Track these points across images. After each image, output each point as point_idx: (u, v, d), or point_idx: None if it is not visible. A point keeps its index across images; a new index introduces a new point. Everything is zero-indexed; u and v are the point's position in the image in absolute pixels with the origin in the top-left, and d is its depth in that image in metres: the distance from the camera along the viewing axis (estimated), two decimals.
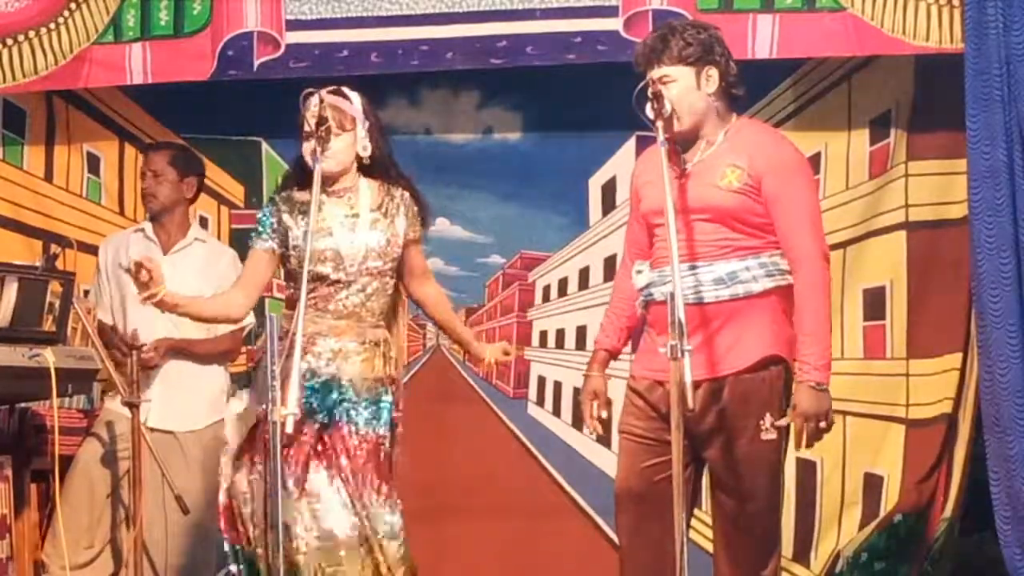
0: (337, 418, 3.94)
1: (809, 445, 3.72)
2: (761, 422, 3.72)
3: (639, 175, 3.96)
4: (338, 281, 3.97)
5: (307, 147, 3.94)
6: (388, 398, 4.02)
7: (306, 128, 3.93)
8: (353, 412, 3.96)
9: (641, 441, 3.83)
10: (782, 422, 3.72)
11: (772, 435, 3.73)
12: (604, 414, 3.96)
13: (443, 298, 4.31)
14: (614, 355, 4.03)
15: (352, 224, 4.01)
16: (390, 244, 4.03)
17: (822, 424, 3.70)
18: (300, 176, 4.04)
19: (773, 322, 3.77)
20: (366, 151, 4.03)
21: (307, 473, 3.90)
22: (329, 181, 3.99)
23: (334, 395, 3.95)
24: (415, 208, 4.10)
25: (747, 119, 3.96)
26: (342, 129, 3.97)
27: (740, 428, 3.73)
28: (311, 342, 3.93)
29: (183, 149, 5.12)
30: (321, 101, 3.93)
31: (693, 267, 3.73)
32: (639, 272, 3.90)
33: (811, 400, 3.66)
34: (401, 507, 3.94)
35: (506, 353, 4.31)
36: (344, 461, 3.91)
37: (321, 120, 3.90)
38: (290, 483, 3.84)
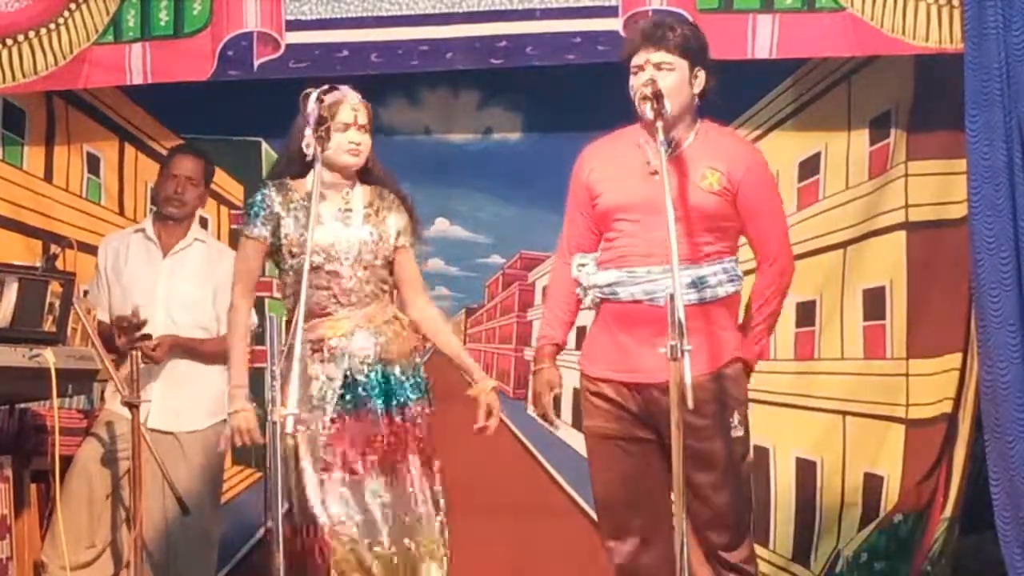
0: (400, 401, 4.00)
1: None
2: (730, 420, 3.79)
3: (591, 171, 3.92)
4: (336, 272, 3.99)
5: (344, 138, 3.96)
6: (421, 365, 4.11)
7: (347, 120, 3.96)
8: (405, 390, 4.02)
9: (616, 442, 3.84)
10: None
11: (740, 432, 3.81)
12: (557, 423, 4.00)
13: (441, 323, 4.23)
14: (561, 348, 4.02)
15: (346, 218, 4.04)
16: (381, 240, 4.05)
17: None
18: (298, 166, 4.02)
19: (734, 326, 3.88)
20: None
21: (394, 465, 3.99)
22: (334, 176, 4.02)
23: (391, 380, 4.00)
24: (407, 215, 4.12)
25: (710, 123, 3.94)
26: (370, 127, 4.04)
27: (712, 426, 3.77)
28: (350, 335, 3.98)
29: (209, 160, 5.12)
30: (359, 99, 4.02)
31: (666, 271, 3.65)
32: (582, 266, 3.89)
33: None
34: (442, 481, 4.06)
35: (489, 412, 4.06)
36: (414, 445, 4.01)
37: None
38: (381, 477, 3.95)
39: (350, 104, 3.99)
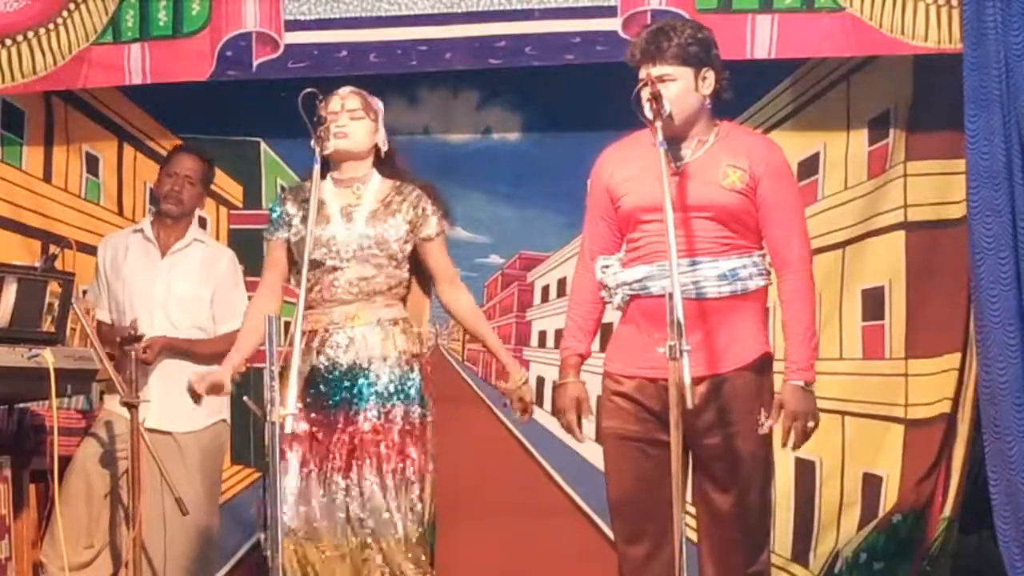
0: (364, 402, 3.98)
1: (797, 446, 3.76)
2: (758, 417, 3.75)
3: (612, 173, 3.91)
4: (335, 267, 4.02)
5: (333, 126, 3.99)
6: (414, 375, 4.05)
7: (335, 109, 4.02)
8: (375, 394, 3.99)
9: (636, 444, 3.81)
10: (770, 423, 3.75)
11: (767, 429, 3.77)
12: (591, 417, 3.96)
13: (473, 309, 4.25)
14: (585, 358, 3.98)
15: (349, 215, 4.06)
16: (386, 237, 4.06)
17: (809, 424, 3.74)
18: (322, 169, 4.00)
19: (762, 320, 3.85)
20: (384, 144, 4.12)
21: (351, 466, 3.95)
22: (340, 168, 4.06)
23: (360, 380, 3.99)
24: (427, 207, 4.12)
25: (730, 123, 3.94)
26: (365, 114, 4.06)
27: (740, 424, 3.74)
28: (327, 333, 4.00)
29: (211, 161, 5.13)
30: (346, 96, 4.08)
31: (694, 263, 3.73)
32: (606, 267, 3.87)
33: (800, 399, 3.72)
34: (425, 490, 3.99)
35: (524, 408, 4.17)
36: (373, 445, 3.96)
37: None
38: (338, 478, 3.93)
39: (338, 96, 4.07)
